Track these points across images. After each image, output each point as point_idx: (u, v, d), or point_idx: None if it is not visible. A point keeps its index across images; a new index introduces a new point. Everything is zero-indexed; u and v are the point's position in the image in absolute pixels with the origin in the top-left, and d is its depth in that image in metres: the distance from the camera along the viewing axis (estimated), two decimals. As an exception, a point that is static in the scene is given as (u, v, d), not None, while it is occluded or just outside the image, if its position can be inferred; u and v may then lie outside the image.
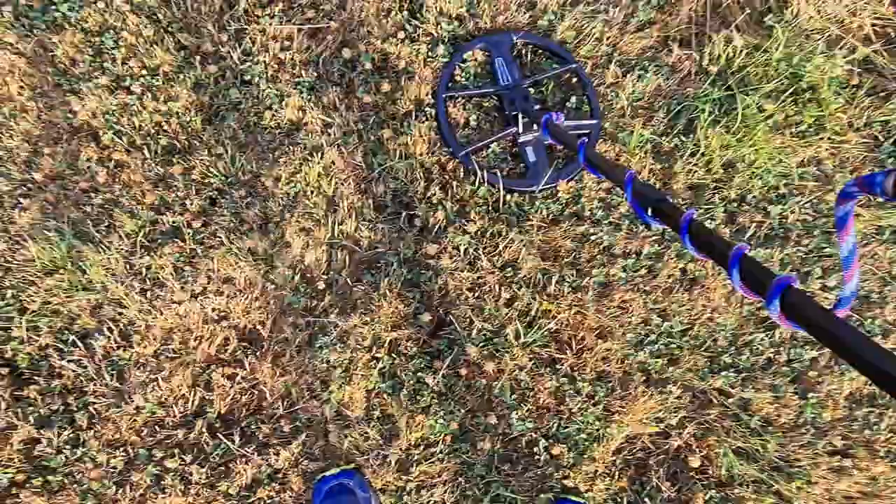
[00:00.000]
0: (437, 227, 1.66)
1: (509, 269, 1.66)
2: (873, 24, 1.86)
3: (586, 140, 1.29)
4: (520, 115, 1.69)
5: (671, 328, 1.64)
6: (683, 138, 1.77)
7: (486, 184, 1.68)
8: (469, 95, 1.77)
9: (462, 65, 1.81)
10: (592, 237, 1.68)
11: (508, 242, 1.65)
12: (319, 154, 1.71)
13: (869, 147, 1.79)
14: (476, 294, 1.63)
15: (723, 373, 1.61)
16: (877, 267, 1.72)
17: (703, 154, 1.75)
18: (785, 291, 0.63)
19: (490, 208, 1.69)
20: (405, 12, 1.84)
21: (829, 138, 1.78)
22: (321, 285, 1.64)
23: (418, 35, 1.82)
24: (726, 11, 1.88)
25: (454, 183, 1.70)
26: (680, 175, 1.75)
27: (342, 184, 1.71)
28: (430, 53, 1.81)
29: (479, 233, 1.67)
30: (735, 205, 1.75)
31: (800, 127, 1.78)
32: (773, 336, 1.65)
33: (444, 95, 1.75)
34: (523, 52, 1.85)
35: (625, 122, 1.80)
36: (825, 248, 1.72)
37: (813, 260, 1.72)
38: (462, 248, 1.65)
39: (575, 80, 1.82)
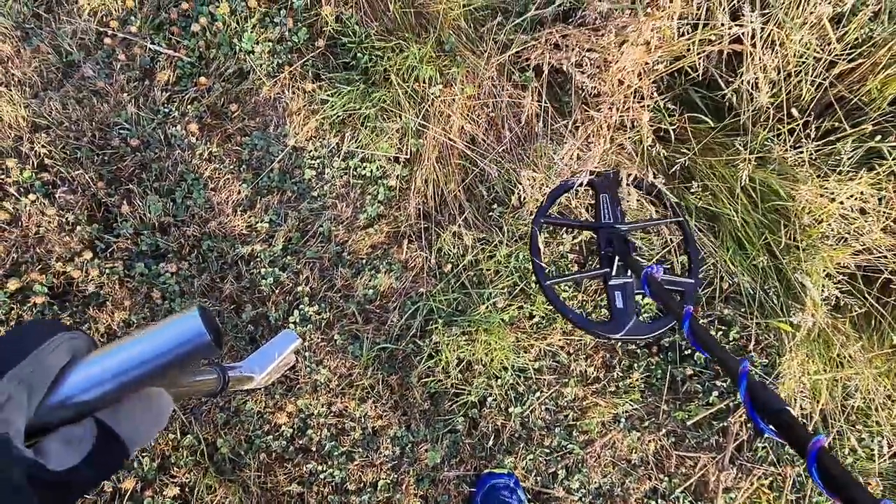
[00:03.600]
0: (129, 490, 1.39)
1: (222, 532, 1.42)
2: (588, 206, 1.93)
3: (690, 308, 1.12)
4: (616, 258, 1.56)
5: (413, 571, 1.48)
6: (419, 342, 1.68)
7: (564, 320, 1.62)
8: (566, 225, 1.71)
9: (567, 194, 1.75)
10: (322, 475, 1.50)
11: (219, 499, 1.42)
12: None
13: (598, 334, 1.81)
14: (181, 572, 1.37)
15: None
16: (616, 457, 1.71)
17: (440, 358, 1.66)
18: None
19: (198, 459, 1.46)
20: (96, 225, 1.60)
21: (561, 329, 1.78)
22: None
23: (113, 251, 1.59)
24: (454, 204, 1.86)
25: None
26: (417, 386, 1.64)
27: None
28: (127, 272, 1.58)
29: (185, 490, 1.42)
30: (476, 410, 1.67)
31: (533, 320, 1.76)
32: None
33: (541, 220, 1.62)
34: (632, 194, 1.74)
35: (358, 329, 1.68)
36: (566, 444, 1.68)
37: (556, 460, 1.67)
38: (162, 516, 1.39)
39: (678, 233, 1.77)
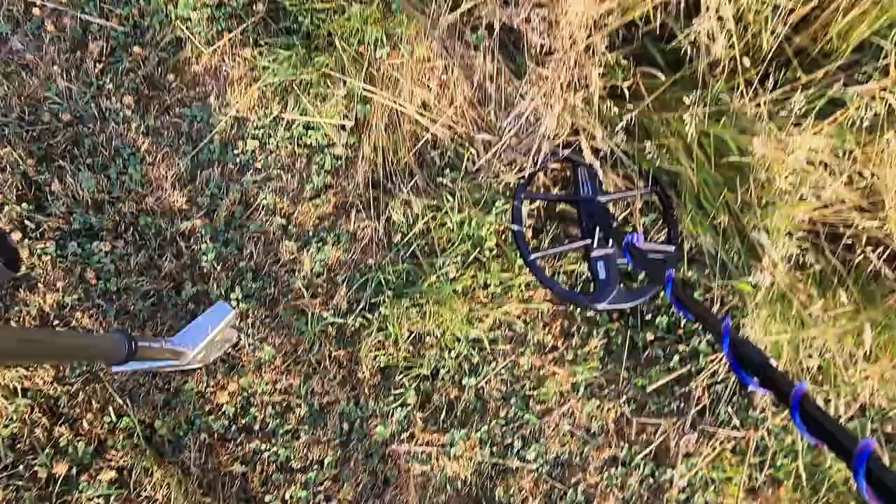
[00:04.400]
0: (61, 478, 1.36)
1: (162, 514, 1.39)
2: (553, 171, 1.87)
3: (673, 272, 1.15)
4: (597, 229, 1.60)
5: (362, 547, 1.46)
6: (368, 315, 1.63)
7: (549, 294, 1.66)
8: (547, 199, 1.73)
9: (547, 168, 1.76)
10: (266, 453, 1.47)
11: (157, 481, 1.38)
12: None
13: (555, 303, 1.75)
14: (120, 556, 1.35)
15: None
16: (576, 426, 1.67)
17: (390, 331, 1.62)
18: None
19: (136, 442, 1.42)
20: (25, 204, 1.54)
21: (517, 298, 1.72)
22: None
23: (44, 231, 1.53)
24: (405, 171, 1.79)
25: (86, 416, 1.41)
26: (366, 360, 1.60)
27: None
28: (59, 252, 1.53)
29: (122, 474, 1.39)
30: (429, 383, 1.62)
31: (488, 289, 1.71)
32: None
33: (521, 196, 1.65)
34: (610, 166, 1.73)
35: (304, 304, 1.63)
36: (523, 414, 1.64)
37: (512, 431, 1.63)
38: (100, 497, 1.36)
39: (657, 201, 1.74)
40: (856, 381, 1.59)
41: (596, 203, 1.70)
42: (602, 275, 1.64)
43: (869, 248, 1.51)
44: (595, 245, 1.63)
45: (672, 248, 1.69)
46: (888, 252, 1.55)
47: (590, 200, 1.71)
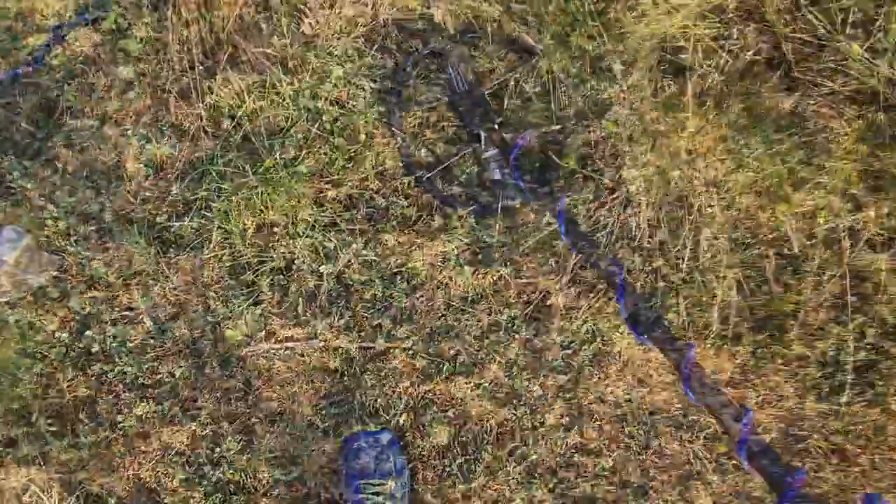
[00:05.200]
0: None
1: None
2: (395, 20, 1.64)
3: (564, 204, 1.17)
4: (481, 130, 1.52)
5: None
6: (207, 213, 1.50)
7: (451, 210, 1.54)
8: (423, 106, 1.57)
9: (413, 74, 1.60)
10: (110, 374, 1.41)
11: (-2, 419, 1.33)
12: None
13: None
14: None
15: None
16: (451, 297, 1.58)
17: (232, 226, 1.49)
18: None
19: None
20: None
21: (371, 169, 1.57)
22: None
23: None
24: (226, 45, 1.57)
25: None
26: (211, 260, 1.49)
27: None
28: None
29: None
30: (283, 276, 1.52)
31: (335, 165, 1.56)
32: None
33: (398, 114, 1.54)
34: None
35: (132, 212, 1.49)
36: (390, 293, 1.55)
37: (380, 312, 1.55)
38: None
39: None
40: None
41: (474, 96, 1.56)
42: (496, 175, 1.55)
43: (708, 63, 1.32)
44: (483, 145, 1.54)
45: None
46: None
47: (467, 94, 1.57)
